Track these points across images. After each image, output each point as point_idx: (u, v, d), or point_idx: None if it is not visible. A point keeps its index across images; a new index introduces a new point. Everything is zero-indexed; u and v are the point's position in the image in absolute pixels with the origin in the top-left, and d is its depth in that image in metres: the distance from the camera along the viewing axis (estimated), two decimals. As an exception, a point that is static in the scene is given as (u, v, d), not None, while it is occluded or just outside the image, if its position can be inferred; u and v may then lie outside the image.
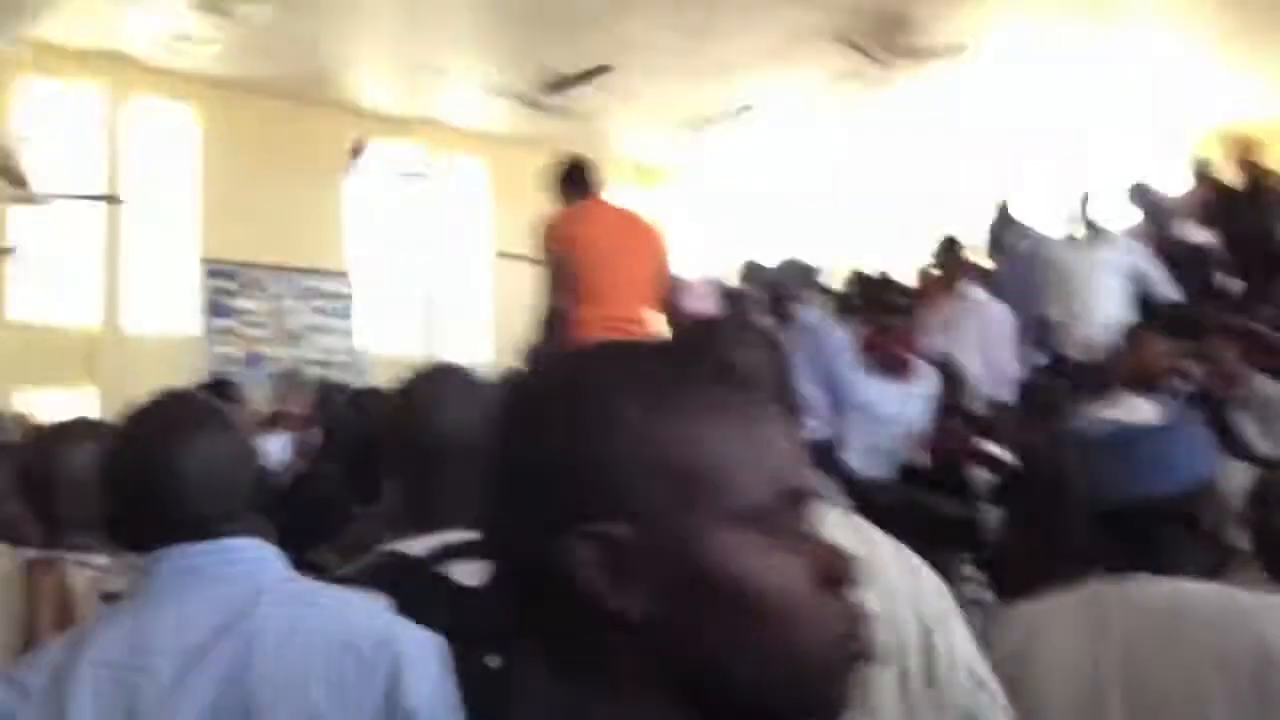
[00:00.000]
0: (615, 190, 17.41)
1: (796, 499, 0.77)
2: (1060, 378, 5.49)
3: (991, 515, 3.53)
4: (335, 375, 13.19)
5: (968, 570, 3.03)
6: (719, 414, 0.76)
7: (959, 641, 1.51)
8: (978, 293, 5.97)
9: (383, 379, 9.02)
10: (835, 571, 0.75)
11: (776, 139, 15.45)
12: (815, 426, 5.16)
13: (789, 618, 0.73)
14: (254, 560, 1.58)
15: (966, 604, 2.90)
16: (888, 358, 5.32)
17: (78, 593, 2.13)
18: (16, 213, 11.96)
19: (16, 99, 12.11)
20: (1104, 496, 1.68)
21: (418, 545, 1.63)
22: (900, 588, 1.48)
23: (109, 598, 2.02)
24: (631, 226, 4.78)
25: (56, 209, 12.15)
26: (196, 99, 13.50)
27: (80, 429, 2.41)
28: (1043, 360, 6.13)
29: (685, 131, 13.27)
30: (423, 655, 1.52)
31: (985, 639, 1.71)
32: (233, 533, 1.58)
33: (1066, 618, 1.64)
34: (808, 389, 4.79)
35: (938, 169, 14.29)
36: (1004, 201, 9.50)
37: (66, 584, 2.14)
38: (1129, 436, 1.67)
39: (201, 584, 1.52)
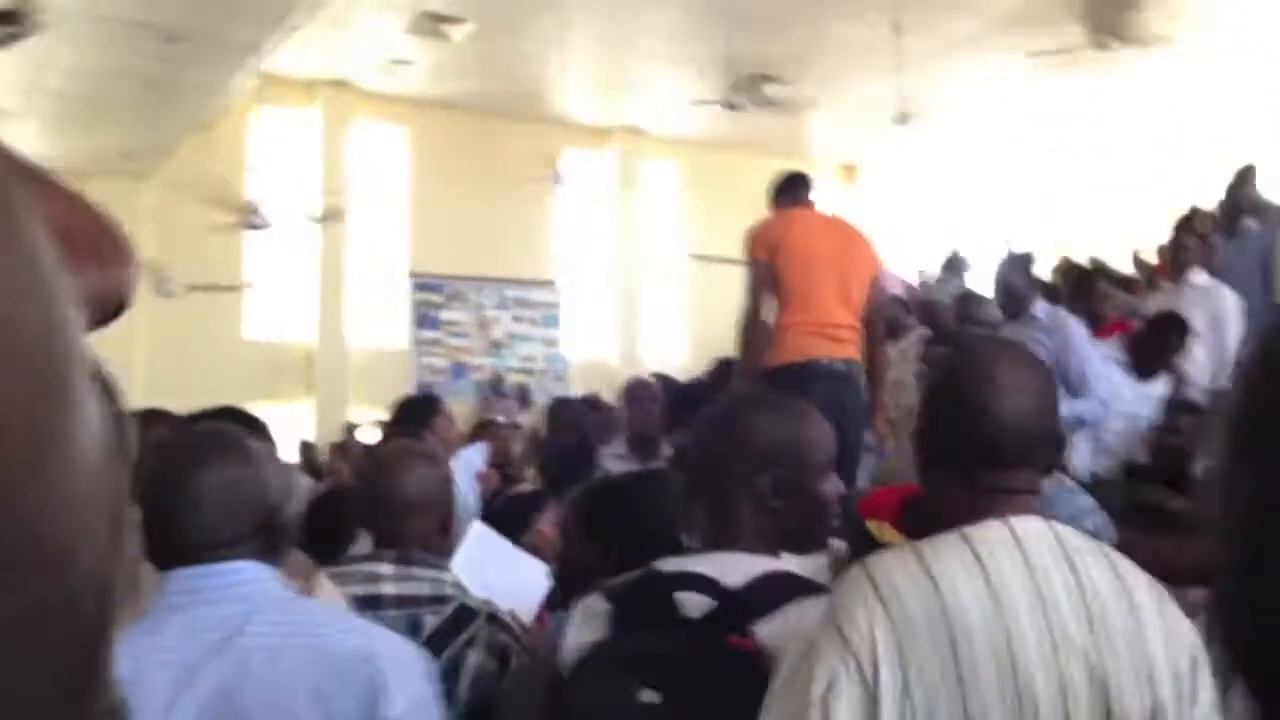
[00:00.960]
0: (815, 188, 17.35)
1: None
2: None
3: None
4: (536, 383, 13.59)
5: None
6: None
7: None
8: (1202, 277, 5.58)
9: (582, 385, 9.22)
10: None
11: (974, 130, 15.02)
12: None
13: None
14: (251, 581, 1.67)
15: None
16: (1141, 355, 5.09)
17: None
18: (250, 240, 12.72)
19: (247, 128, 12.93)
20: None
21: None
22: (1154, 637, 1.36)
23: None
24: (839, 234, 4.73)
25: (281, 233, 12.90)
26: (407, 119, 14.13)
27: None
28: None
29: (886, 126, 13.00)
30: (404, 669, 1.64)
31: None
32: (236, 556, 1.67)
33: None
34: None
35: (1145, 154, 13.59)
36: (1248, 168, 8.91)
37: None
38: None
39: (200, 604, 1.62)
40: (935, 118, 13.04)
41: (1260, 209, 6.69)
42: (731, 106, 11.45)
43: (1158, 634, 1.34)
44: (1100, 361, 4.83)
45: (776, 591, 1.55)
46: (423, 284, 14.00)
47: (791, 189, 4.96)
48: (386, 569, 2.13)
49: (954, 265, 9.84)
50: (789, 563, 1.65)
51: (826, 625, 1.35)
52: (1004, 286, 5.04)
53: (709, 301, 15.17)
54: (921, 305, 6.90)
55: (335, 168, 13.66)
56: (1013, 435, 1.46)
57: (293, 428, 10.97)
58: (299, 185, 13.59)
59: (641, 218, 15.72)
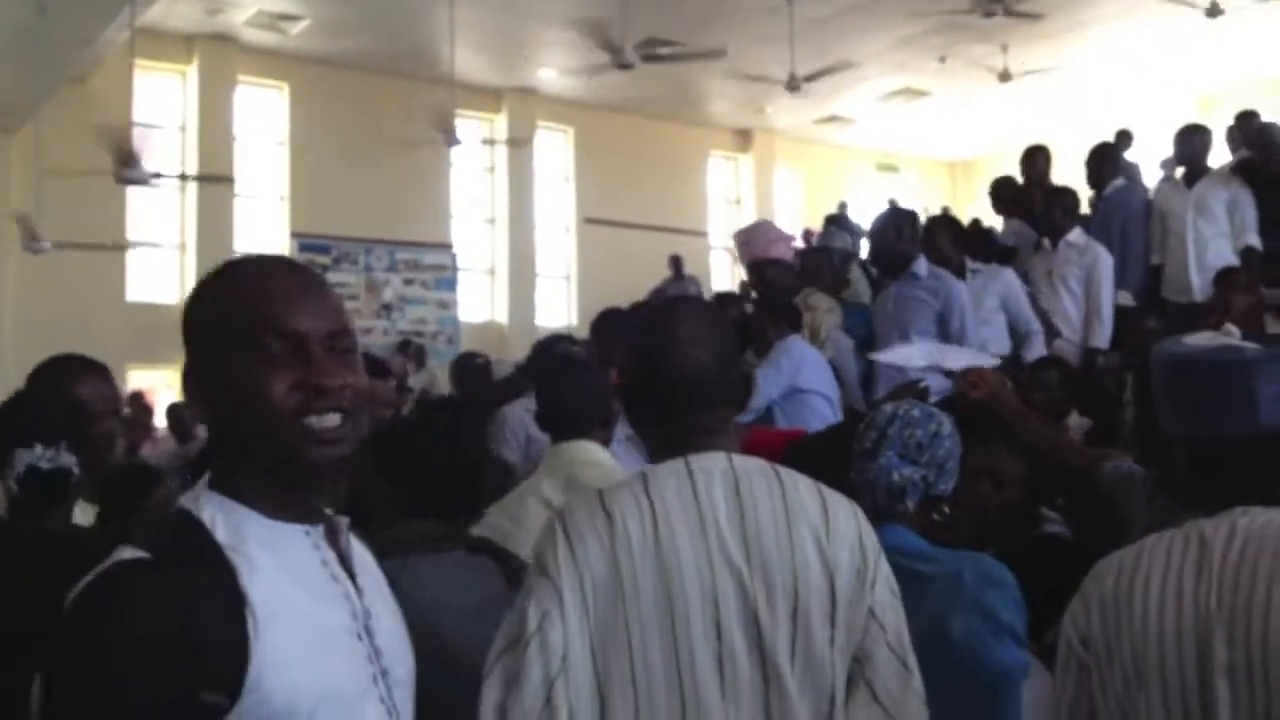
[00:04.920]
0: (707, 155, 17.39)
1: None
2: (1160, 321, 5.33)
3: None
4: (429, 345, 13.44)
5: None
6: None
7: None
8: (1078, 235, 5.79)
9: (473, 347, 9.13)
10: None
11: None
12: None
13: None
14: None
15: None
16: None
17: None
18: (131, 199, 12.26)
19: (127, 85, 12.45)
20: (1203, 429, 1.61)
21: None
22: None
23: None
24: None
25: (161, 193, 12.47)
26: (291, 77, 13.78)
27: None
28: (1131, 303, 5.94)
29: (779, 91, 13.09)
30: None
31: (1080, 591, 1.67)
32: None
33: (1165, 557, 1.58)
34: None
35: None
36: (1124, 131, 9.24)
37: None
38: (1233, 362, 1.60)
39: None
40: (826, 82, 13.17)
41: (1127, 169, 6.96)
42: (623, 66, 11.38)
43: (811, 543, 1.54)
44: (980, 317, 4.98)
45: None
46: (308, 245, 13.69)
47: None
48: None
49: (841, 222, 10.02)
50: None
51: (531, 569, 1.57)
52: (883, 245, 5.10)
53: (599, 264, 15.20)
54: (810, 252, 6.94)
55: (216, 125, 13.27)
56: (690, 383, 1.64)
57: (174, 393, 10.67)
58: (178, 143, 13.19)
59: (534, 181, 15.63)
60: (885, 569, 1.60)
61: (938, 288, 4.80)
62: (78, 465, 2.20)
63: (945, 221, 5.94)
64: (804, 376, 4.48)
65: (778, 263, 5.23)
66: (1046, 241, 5.85)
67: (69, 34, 9.81)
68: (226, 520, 1.18)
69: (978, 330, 4.87)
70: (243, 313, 1.19)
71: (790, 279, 5.35)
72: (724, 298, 6.88)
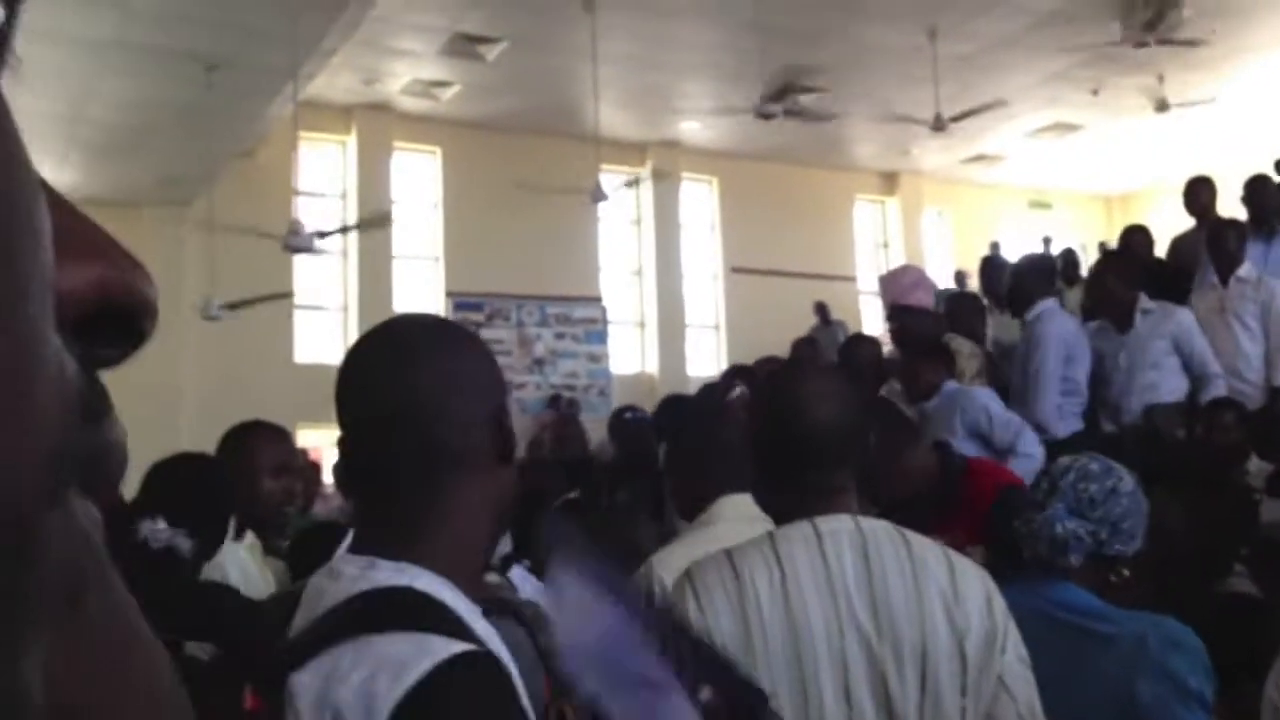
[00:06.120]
0: (853, 199, 17.28)
1: None
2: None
3: (1270, 508, 3.25)
4: (581, 398, 13.62)
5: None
6: None
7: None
8: (1250, 270, 5.48)
9: (624, 400, 9.23)
10: None
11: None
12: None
13: None
14: None
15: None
16: None
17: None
18: (296, 265, 12.84)
19: (288, 154, 13.09)
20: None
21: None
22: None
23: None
24: None
25: (323, 257, 13.02)
26: (443, 140, 14.27)
27: None
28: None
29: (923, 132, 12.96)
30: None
31: None
32: None
33: None
34: None
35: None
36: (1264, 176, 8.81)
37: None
38: None
39: None
40: (973, 121, 12.97)
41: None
42: (765, 117, 11.44)
43: (940, 608, 1.53)
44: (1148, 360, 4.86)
45: None
46: (462, 303, 14.08)
47: None
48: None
49: (995, 262, 9.83)
50: None
51: None
52: (1014, 285, 5.12)
53: (748, 312, 15.19)
54: (955, 296, 6.84)
55: (374, 191, 13.81)
56: (819, 442, 1.66)
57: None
58: (339, 209, 13.77)
59: (680, 230, 15.76)
60: (1015, 635, 1.57)
61: (1028, 335, 4.97)
62: (192, 549, 2.15)
63: (1114, 259, 5.71)
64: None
65: (911, 309, 5.17)
66: (1214, 277, 5.59)
67: (237, 111, 10.37)
68: (454, 598, 1.10)
69: (1075, 370, 4.88)
70: None
71: (927, 325, 5.28)
72: (858, 339, 6.79)
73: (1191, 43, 11.04)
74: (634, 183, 13.20)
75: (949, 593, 1.54)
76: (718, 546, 1.69)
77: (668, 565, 2.26)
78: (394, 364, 1.15)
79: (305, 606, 1.13)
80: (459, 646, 1.01)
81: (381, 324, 1.23)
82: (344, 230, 12.97)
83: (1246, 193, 6.15)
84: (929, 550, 1.60)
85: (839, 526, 1.59)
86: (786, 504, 1.66)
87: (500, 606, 2.22)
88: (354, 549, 1.15)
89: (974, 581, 1.58)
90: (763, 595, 1.52)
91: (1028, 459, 3.97)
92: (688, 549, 2.21)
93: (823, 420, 1.66)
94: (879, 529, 1.60)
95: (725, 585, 1.54)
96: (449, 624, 1.05)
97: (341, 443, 1.21)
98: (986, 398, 4.38)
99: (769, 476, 1.75)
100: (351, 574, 1.10)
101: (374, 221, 12.59)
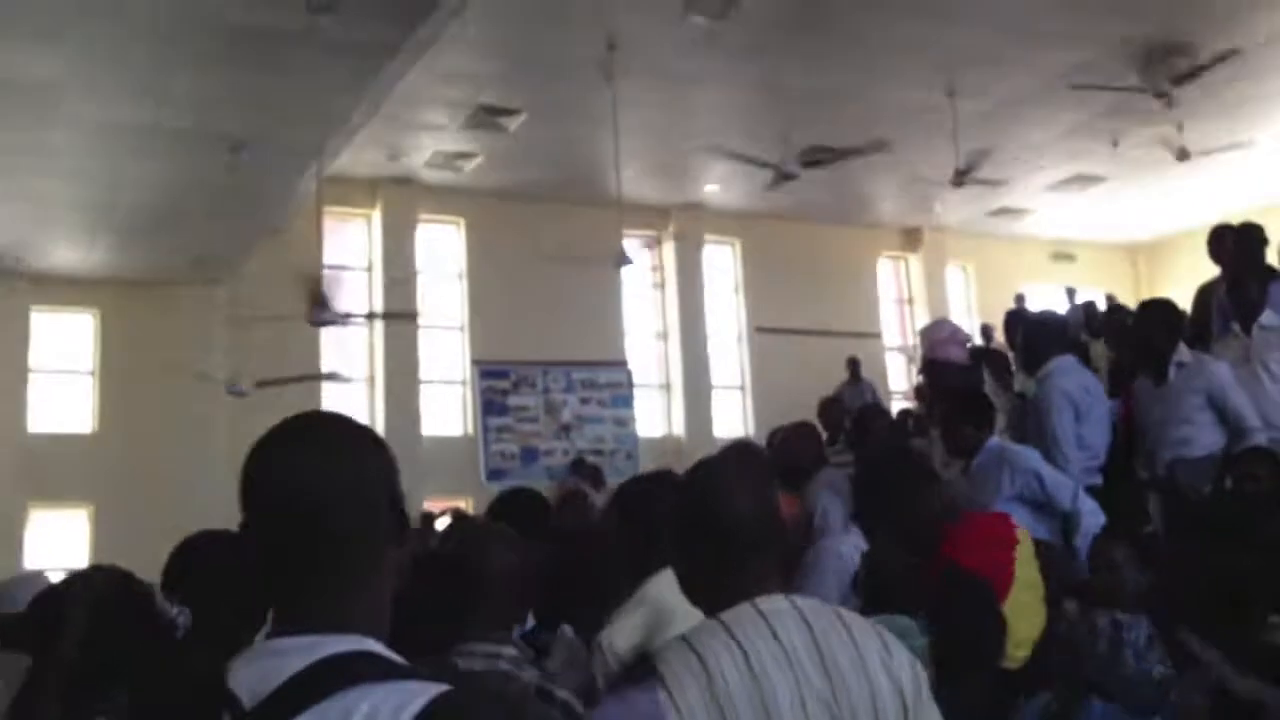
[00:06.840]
0: (876, 256, 17.30)
1: None
2: None
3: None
4: (606, 463, 13.59)
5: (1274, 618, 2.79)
6: None
7: None
8: (1272, 317, 5.39)
9: (652, 464, 9.21)
10: None
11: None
12: None
13: None
14: None
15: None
16: None
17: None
18: (325, 339, 12.96)
19: (317, 232, 13.28)
20: None
21: None
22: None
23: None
24: None
25: (351, 330, 13.15)
26: (466, 210, 14.43)
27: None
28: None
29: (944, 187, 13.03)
30: None
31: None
32: None
33: None
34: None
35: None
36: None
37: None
38: None
39: None
40: (994, 175, 13.03)
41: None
42: (787, 177, 11.52)
43: (880, 667, 1.68)
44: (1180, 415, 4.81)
45: None
46: (488, 371, 14.14)
47: None
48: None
49: (1020, 315, 9.79)
50: None
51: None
52: (1025, 344, 5.13)
53: (774, 372, 15.17)
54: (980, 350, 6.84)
55: (399, 263, 13.95)
56: (747, 528, 1.76)
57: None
58: (365, 282, 13.91)
59: (704, 292, 15.82)
60: (925, 679, 1.74)
61: (1038, 394, 4.99)
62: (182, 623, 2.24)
63: (1151, 312, 5.49)
64: None
65: (937, 363, 5.18)
66: (1236, 326, 5.51)
67: (264, 190, 10.52)
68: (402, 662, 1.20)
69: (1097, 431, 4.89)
70: None
71: (956, 379, 5.25)
72: (873, 411, 6.84)
73: (1211, 92, 11.07)
74: (657, 246, 13.30)
75: (883, 651, 1.70)
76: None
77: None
78: (308, 460, 1.25)
79: (246, 686, 1.14)
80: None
81: (283, 422, 1.31)
82: (369, 317, 13.11)
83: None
84: (854, 618, 1.76)
85: (779, 606, 1.70)
86: (719, 591, 1.73)
87: (544, 696, 2.25)
88: (278, 632, 1.20)
89: (895, 640, 1.76)
90: (729, 676, 1.61)
91: (1094, 515, 4.10)
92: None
93: (749, 510, 1.77)
94: (811, 604, 1.74)
95: (693, 672, 1.62)
96: (424, 676, 1.14)
97: (247, 533, 1.27)
98: (1035, 460, 4.33)
99: (695, 565, 1.82)
100: (302, 645, 1.16)
101: (399, 314, 12.74)
